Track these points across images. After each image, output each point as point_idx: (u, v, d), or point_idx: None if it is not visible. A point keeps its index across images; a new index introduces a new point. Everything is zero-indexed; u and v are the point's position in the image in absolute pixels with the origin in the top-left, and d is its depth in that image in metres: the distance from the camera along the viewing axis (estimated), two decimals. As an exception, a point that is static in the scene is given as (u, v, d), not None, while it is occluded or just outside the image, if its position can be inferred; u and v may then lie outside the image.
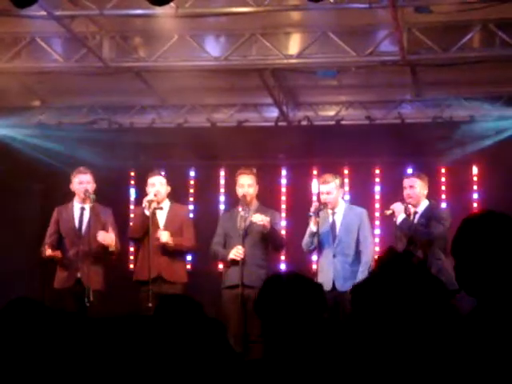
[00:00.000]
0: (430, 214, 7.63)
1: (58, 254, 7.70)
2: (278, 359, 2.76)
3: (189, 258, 9.02)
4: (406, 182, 7.84)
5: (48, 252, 7.62)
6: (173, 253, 7.83)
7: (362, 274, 7.35)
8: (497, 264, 2.47)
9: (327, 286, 7.35)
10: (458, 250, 2.55)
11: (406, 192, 7.78)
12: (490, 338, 2.35)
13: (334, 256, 7.64)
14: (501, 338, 2.33)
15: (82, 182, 7.85)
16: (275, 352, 2.76)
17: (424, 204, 7.77)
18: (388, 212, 7.81)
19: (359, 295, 2.54)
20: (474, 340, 2.36)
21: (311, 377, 2.66)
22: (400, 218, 7.63)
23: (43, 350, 2.86)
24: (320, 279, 7.35)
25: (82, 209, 7.85)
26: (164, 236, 7.76)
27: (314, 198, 9.52)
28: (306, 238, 7.73)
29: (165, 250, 7.78)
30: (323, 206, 7.75)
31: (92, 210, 7.77)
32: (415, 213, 7.77)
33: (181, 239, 7.87)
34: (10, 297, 3.02)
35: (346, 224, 7.73)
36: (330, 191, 7.73)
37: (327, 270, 7.56)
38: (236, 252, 7.61)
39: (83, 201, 7.85)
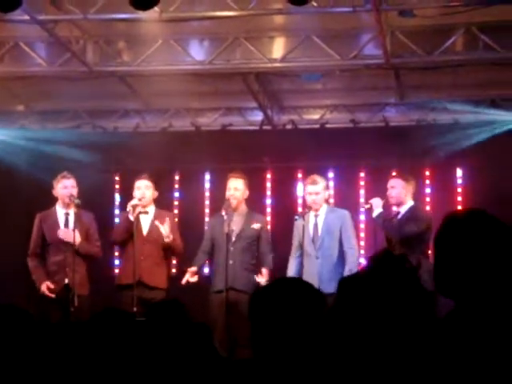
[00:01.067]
0: (409, 215, 7.71)
1: (52, 295, 7.66)
2: (267, 363, 2.75)
3: (174, 261, 9.01)
4: (389, 183, 7.98)
5: (43, 289, 7.62)
6: (156, 258, 7.80)
7: (349, 272, 7.37)
8: (477, 264, 2.39)
9: None
10: (438, 246, 2.47)
11: (388, 192, 7.90)
12: (467, 342, 2.31)
13: (317, 258, 7.65)
14: (477, 342, 2.31)
15: (67, 187, 7.80)
16: (265, 356, 2.75)
17: (408, 205, 7.85)
18: (366, 206, 8.02)
19: (346, 288, 2.53)
20: (450, 344, 2.33)
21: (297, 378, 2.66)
22: (376, 212, 7.76)
23: (28, 358, 2.85)
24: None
25: (67, 214, 7.79)
26: (165, 229, 7.71)
27: (300, 201, 9.57)
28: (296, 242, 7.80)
29: (148, 255, 7.73)
30: (308, 208, 7.79)
31: (76, 215, 7.74)
32: (397, 213, 7.85)
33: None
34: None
35: (327, 226, 7.75)
36: (319, 192, 7.76)
37: (311, 273, 7.53)
38: (184, 279, 7.73)
39: (67, 206, 7.81)
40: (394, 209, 8.03)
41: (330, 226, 7.74)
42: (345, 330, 2.44)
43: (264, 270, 7.64)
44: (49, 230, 7.83)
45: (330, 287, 7.35)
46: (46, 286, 7.63)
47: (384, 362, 2.37)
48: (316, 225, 7.80)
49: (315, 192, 7.76)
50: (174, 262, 9.10)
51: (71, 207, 7.77)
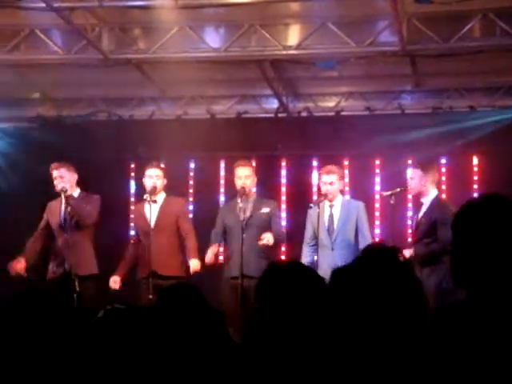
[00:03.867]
0: (436, 216, 7.49)
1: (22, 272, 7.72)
2: (276, 347, 2.76)
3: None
4: (408, 173, 7.87)
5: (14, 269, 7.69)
6: (168, 248, 7.79)
7: None
8: (495, 249, 2.32)
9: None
10: (456, 234, 2.40)
11: (408, 183, 7.80)
12: (480, 332, 2.27)
13: (332, 249, 7.65)
14: (488, 334, 2.27)
15: (55, 178, 7.88)
16: (273, 340, 2.76)
17: (432, 195, 7.73)
18: (386, 193, 7.93)
19: (339, 279, 2.54)
20: (458, 337, 2.30)
21: (305, 365, 2.66)
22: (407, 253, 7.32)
23: (45, 342, 2.86)
24: (319, 273, 7.34)
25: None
26: (196, 265, 7.67)
27: (315, 189, 9.56)
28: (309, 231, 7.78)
29: (159, 245, 7.66)
30: (323, 197, 7.77)
31: (68, 201, 7.70)
32: (421, 204, 7.78)
33: (194, 247, 7.78)
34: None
35: (343, 217, 7.73)
36: (334, 182, 7.74)
37: (326, 264, 7.47)
38: (209, 254, 7.68)
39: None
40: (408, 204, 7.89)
41: (346, 218, 7.73)
42: (338, 318, 2.45)
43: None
44: (51, 217, 7.96)
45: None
46: (10, 266, 7.71)
47: (376, 352, 2.37)
48: (331, 216, 7.78)
49: (329, 182, 7.75)
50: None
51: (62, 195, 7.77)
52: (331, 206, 7.78)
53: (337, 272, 2.55)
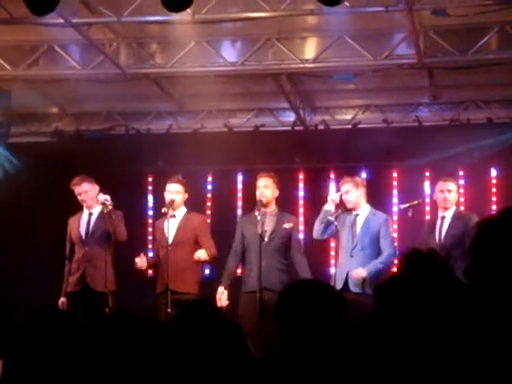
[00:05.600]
0: (462, 227, 7.53)
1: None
2: (292, 362, 2.75)
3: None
4: (443, 186, 7.79)
5: (60, 304, 7.79)
6: (184, 263, 7.71)
7: (380, 264, 7.41)
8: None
9: (338, 286, 7.49)
10: (474, 251, 2.42)
11: (442, 196, 7.77)
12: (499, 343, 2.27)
13: (352, 256, 7.67)
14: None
15: (80, 194, 7.95)
16: (290, 356, 2.75)
17: (453, 208, 7.74)
18: (403, 206, 8.01)
19: (382, 295, 2.51)
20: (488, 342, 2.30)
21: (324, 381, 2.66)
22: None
23: (62, 358, 2.87)
24: (336, 277, 7.64)
25: (90, 214, 7.99)
26: (202, 255, 7.72)
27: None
28: (318, 225, 7.76)
29: (175, 261, 7.59)
30: (342, 209, 7.80)
31: (110, 214, 7.75)
32: (443, 218, 7.75)
33: (211, 250, 7.80)
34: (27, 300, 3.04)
35: (366, 227, 7.74)
36: (349, 190, 7.75)
37: (343, 270, 7.63)
38: (220, 299, 7.64)
39: (90, 207, 7.96)
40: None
41: (369, 229, 7.74)
42: (388, 335, 2.42)
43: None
44: (72, 230, 8.00)
45: (357, 287, 7.46)
46: (60, 303, 7.83)
47: (429, 361, 2.34)
48: (355, 223, 7.78)
49: (345, 191, 7.79)
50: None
51: (104, 209, 7.79)
52: (356, 216, 7.80)
53: (380, 287, 2.52)
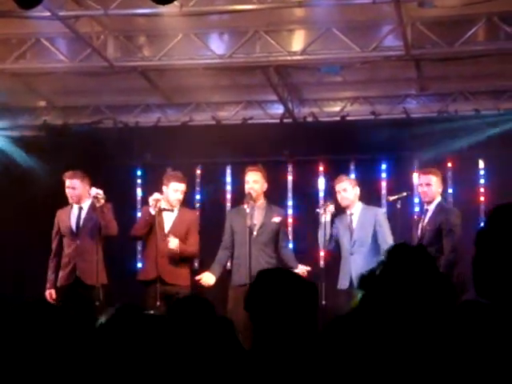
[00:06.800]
0: (440, 223, 7.57)
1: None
2: (266, 353, 2.75)
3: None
4: (422, 179, 7.81)
5: (47, 297, 7.77)
6: (177, 255, 7.78)
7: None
8: None
9: (343, 285, 7.66)
10: (481, 241, 2.36)
11: (421, 189, 7.80)
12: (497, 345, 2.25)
13: (351, 254, 7.75)
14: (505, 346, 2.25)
15: (68, 187, 7.97)
16: (263, 347, 2.75)
17: (436, 201, 7.75)
18: (391, 198, 8.05)
19: (367, 287, 2.51)
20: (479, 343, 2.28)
21: (298, 373, 2.65)
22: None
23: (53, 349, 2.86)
24: (340, 278, 7.79)
25: (80, 208, 7.98)
26: (173, 243, 7.73)
27: (321, 194, 9.58)
28: (321, 237, 7.81)
29: (168, 252, 7.72)
30: (330, 201, 7.88)
31: (102, 209, 7.75)
32: (426, 211, 7.78)
33: (185, 246, 7.84)
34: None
35: (361, 223, 7.86)
36: (346, 188, 7.81)
37: (346, 269, 7.77)
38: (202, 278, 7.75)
39: (78, 202, 7.98)
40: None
41: (364, 224, 7.82)
42: (372, 326, 2.42)
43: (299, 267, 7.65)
44: (61, 224, 8.00)
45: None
46: (48, 295, 7.83)
47: (411, 355, 2.34)
48: (351, 223, 7.91)
49: (343, 189, 7.90)
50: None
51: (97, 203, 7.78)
52: (351, 215, 7.87)
53: (363, 280, 2.51)
